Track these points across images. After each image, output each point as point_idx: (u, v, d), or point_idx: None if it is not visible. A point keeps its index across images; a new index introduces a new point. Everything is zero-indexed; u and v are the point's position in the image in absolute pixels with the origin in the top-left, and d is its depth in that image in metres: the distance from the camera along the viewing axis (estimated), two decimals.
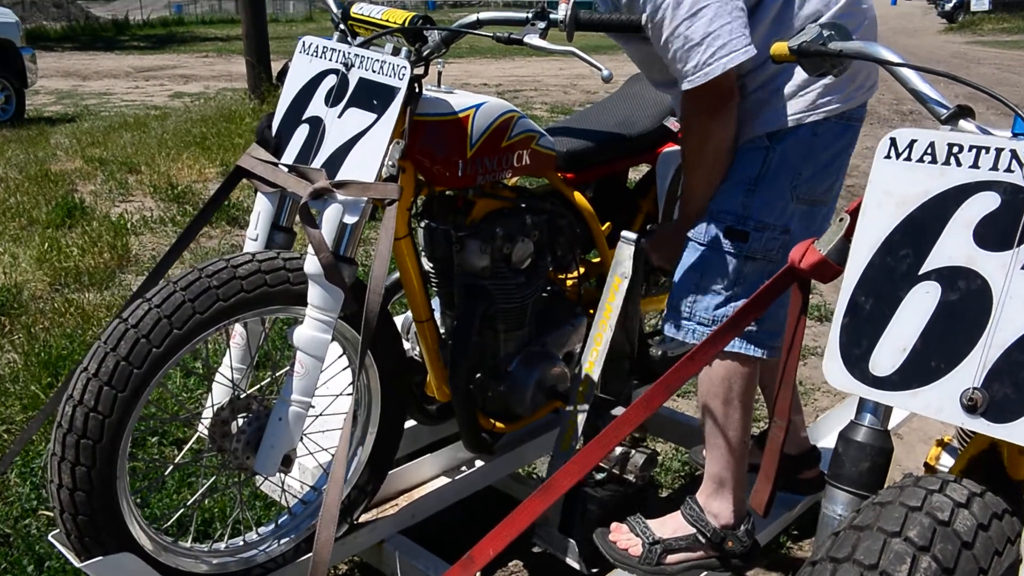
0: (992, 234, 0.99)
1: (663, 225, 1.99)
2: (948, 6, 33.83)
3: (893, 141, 1.07)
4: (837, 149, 1.70)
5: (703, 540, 1.76)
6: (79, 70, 15.36)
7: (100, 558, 1.47)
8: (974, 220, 1.00)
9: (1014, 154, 0.99)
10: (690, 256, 1.76)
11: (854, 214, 1.11)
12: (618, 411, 1.90)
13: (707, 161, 1.70)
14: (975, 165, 1.01)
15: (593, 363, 1.92)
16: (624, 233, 1.89)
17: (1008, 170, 0.99)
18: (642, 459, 1.88)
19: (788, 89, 1.66)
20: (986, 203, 1.00)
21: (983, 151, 1.01)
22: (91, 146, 6.90)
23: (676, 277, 1.78)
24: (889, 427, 1.75)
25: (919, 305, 1.03)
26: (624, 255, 1.88)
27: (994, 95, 1.06)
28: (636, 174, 2.53)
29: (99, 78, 14.28)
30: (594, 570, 1.88)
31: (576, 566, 1.91)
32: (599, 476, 1.93)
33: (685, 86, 1.60)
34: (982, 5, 31.64)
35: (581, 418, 1.92)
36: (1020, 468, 1.06)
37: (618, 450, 1.89)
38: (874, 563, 0.84)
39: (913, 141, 1.06)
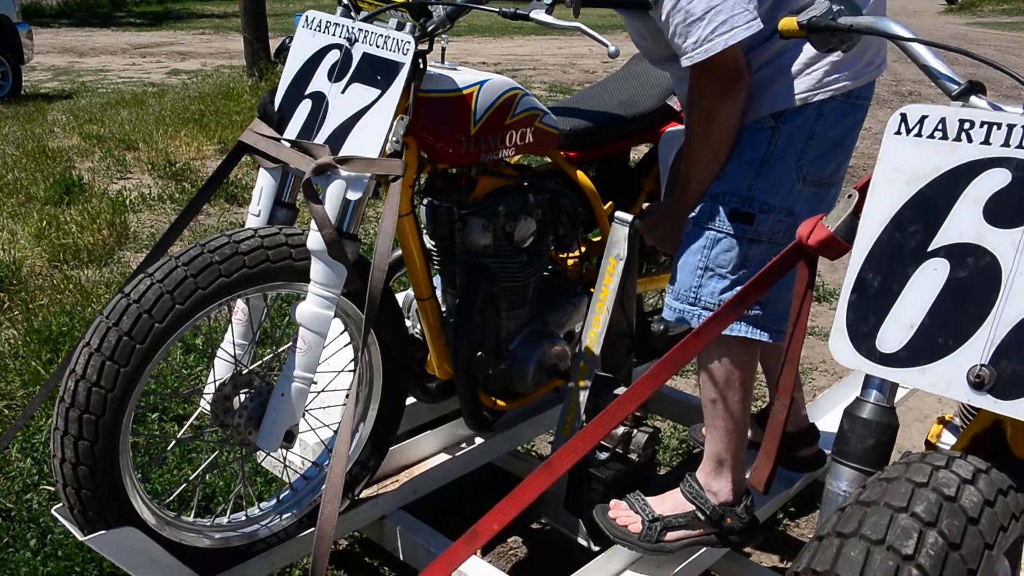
0: (1003, 211, 0.98)
1: (658, 205, 1.94)
2: None
3: (904, 117, 1.06)
4: (844, 128, 1.67)
5: (702, 517, 1.77)
6: (75, 47, 15.24)
7: (103, 532, 1.48)
8: (984, 197, 0.99)
9: None
10: (694, 239, 1.72)
11: (863, 190, 1.10)
12: (620, 390, 1.90)
13: (712, 140, 1.66)
14: (986, 141, 1.00)
15: (592, 343, 1.92)
16: (618, 214, 1.87)
17: (1020, 146, 0.98)
18: (644, 438, 1.88)
19: (794, 68, 1.63)
20: (997, 179, 0.99)
21: (994, 127, 1.00)
22: (88, 123, 6.85)
23: (679, 261, 1.74)
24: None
25: (927, 282, 1.02)
26: (618, 236, 1.87)
27: (1006, 70, 1.05)
28: (638, 154, 2.52)
29: (96, 55, 14.16)
30: (596, 548, 1.89)
31: (583, 543, 1.92)
32: (602, 455, 1.93)
33: (685, 62, 1.57)
34: None
35: (583, 397, 1.92)
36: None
37: (620, 429, 1.88)
38: (880, 538, 0.84)
39: (924, 117, 1.05)
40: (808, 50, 1.60)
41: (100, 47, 15.24)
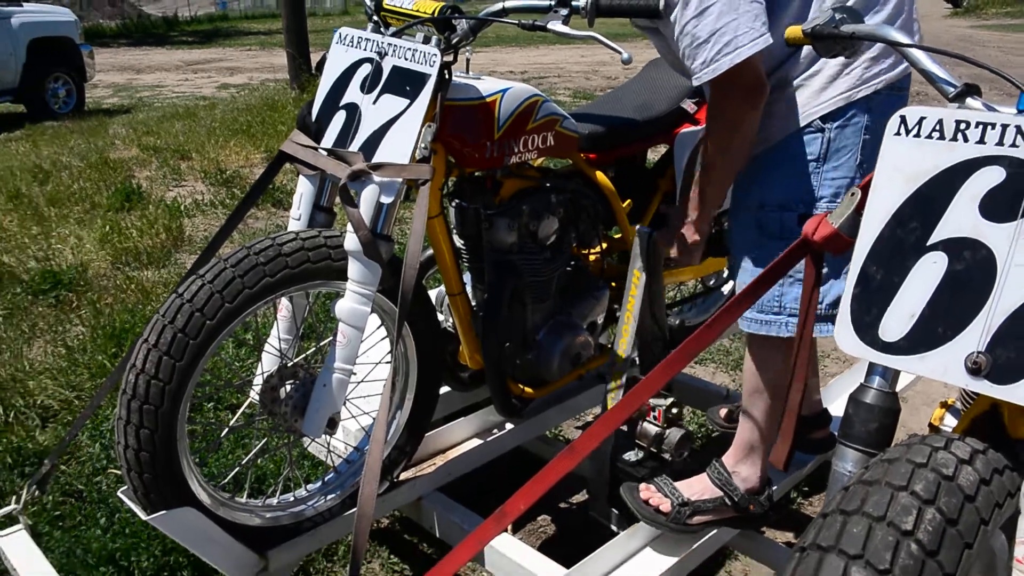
0: (997, 206, 0.97)
1: (674, 213, 1.87)
2: None
3: (903, 119, 1.05)
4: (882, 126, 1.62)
5: (729, 503, 1.74)
6: (133, 64, 15.45)
7: (163, 512, 1.50)
8: (980, 193, 0.98)
9: (1019, 130, 0.96)
10: (766, 252, 1.63)
11: (865, 189, 1.09)
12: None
13: (732, 150, 1.61)
14: (981, 140, 0.99)
15: (622, 351, 1.89)
16: (638, 228, 1.86)
17: (1013, 145, 0.96)
18: (678, 436, 1.85)
19: (832, 70, 1.57)
20: (992, 177, 0.97)
21: (989, 127, 0.98)
22: (146, 135, 6.93)
23: (752, 274, 1.67)
24: (897, 389, 1.73)
25: (927, 274, 1.01)
26: (639, 249, 1.85)
27: (1001, 73, 1.03)
28: (655, 154, 2.51)
29: (152, 72, 14.35)
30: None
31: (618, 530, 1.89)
32: (638, 455, 1.90)
33: (695, 81, 1.54)
34: None
35: (618, 399, 1.89)
36: (1020, 427, 1.04)
37: (654, 430, 1.86)
38: (882, 515, 0.84)
39: (922, 118, 1.03)
40: None
41: (156, 64, 15.44)
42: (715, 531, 1.79)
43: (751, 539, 1.92)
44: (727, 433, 2.10)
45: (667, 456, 1.87)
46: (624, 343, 1.89)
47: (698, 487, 1.79)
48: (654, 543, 1.79)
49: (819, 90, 1.59)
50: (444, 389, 2.10)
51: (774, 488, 1.81)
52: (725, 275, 2.68)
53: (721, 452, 1.84)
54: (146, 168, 5.89)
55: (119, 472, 2.29)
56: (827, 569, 0.81)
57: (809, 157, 1.61)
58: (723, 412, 2.28)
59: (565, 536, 2.28)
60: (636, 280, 1.87)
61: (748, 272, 1.69)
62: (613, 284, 2.22)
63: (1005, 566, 0.94)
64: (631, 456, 1.91)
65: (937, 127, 1.02)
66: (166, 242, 4.28)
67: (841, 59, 1.54)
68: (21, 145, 7.06)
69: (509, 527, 1.90)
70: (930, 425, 1.35)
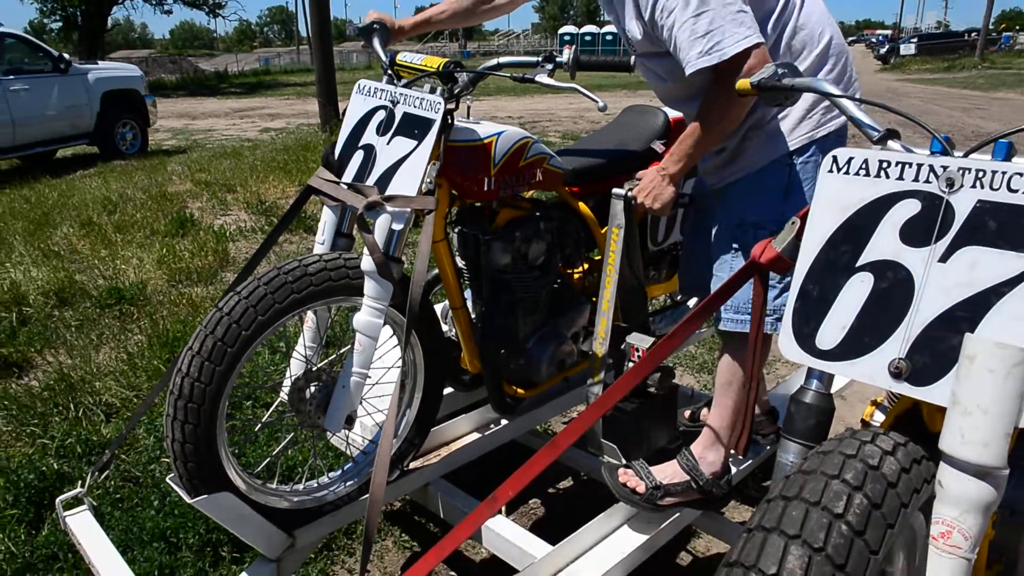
0: (914, 233, 0.96)
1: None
2: (882, 50, 33.62)
3: (835, 158, 1.05)
4: None
5: (695, 487, 1.73)
6: (189, 112, 15.54)
7: (205, 496, 1.49)
8: (900, 222, 0.97)
9: (931, 169, 0.96)
10: (742, 262, 1.64)
11: (803, 218, 1.09)
12: (633, 336, 1.79)
13: (719, 129, 1.57)
14: (900, 177, 0.98)
15: (607, 303, 1.78)
16: (614, 190, 1.74)
17: (927, 181, 0.96)
18: (658, 374, 1.80)
19: (798, 113, 1.61)
20: (909, 208, 0.97)
21: (907, 166, 0.98)
22: (199, 172, 6.96)
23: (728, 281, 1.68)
24: (833, 391, 1.73)
25: (856, 292, 1.00)
26: (617, 209, 1.73)
27: (916, 120, 1.03)
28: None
29: (205, 118, 14.42)
30: (623, 465, 1.80)
31: (614, 461, 1.83)
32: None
33: (688, 70, 1.49)
34: (909, 50, 31.40)
35: (603, 349, 1.80)
36: (937, 422, 1.03)
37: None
38: (817, 500, 0.83)
39: (851, 158, 1.03)
40: (807, 99, 1.58)
41: (208, 112, 15.53)
42: (681, 512, 1.77)
43: (712, 519, 1.90)
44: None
45: (652, 390, 1.82)
46: (608, 294, 1.78)
47: (669, 472, 1.78)
48: (629, 522, 1.77)
49: (789, 129, 1.62)
50: (447, 390, 2.08)
51: (732, 473, 1.79)
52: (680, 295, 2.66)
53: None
54: (198, 200, 5.92)
55: (168, 461, 2.28)
56: (770, 547, 0.80)
57: (777, 185, 1.64)
58: (687, 413, 2.26)
59: (554, 516, 2.26)
60: (616, 237, 1.74)
61: (720, 280, 1.70)
62: (594, 299, 2.21)
63: (924, 543, 0.93)
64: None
65: (863, 166, 1.02)
66: (213, 263, 4.29)
67: (805, 105, 1.56)
68: (94, 180, 7.09)
69: (503, 510, 1.88)
70: (862, 420, 1.34)
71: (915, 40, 35.44)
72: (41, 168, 8.51)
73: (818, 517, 0.80)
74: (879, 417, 1.38)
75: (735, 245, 1.69)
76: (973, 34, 33.57)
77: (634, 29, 1.62)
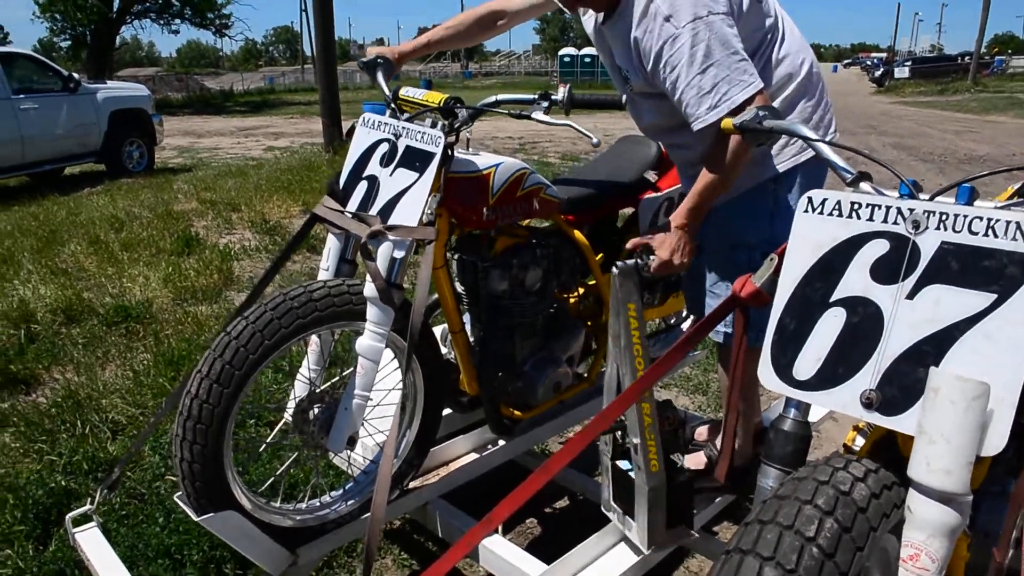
0: (883, 271, 1.01)
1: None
2: (877, 73, 34.00)
3: (810, 199, 1.10)
4: (820, 180, 1.71)
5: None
6: (195, 130, 15.62)
7: (212, 514, 1.52)
8: (870, 261, 1.02)
9: (899, 211, 1.01)
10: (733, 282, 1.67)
11: (781, 255, 1.14)
12: None
13: (732, 176, 1.60)
14: (871, 219, 1.04)
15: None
16: (618, 264, 1.62)
17: (895, 223, 1.02)
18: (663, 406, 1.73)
19: (782, 140, 1.67)
20: (879, 247, 1.02)
21: (876, 208, 1.03)
22: (204, 190, 6.95)
23: (718, 299, 1.72)
24: (822, 415, 1.76)
25: (830, 326, 1.05)
26: (628, 284, 1.57)
27: (886, 166, 1.09)
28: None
29: (210, 136, 14.49)
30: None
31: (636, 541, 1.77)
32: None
33: (697, 125, 1.54)
34: (903, 73, 31.74)
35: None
36: (909, 448, 1.08)
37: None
38: (791, 524, 0.87)
39: (825, 199, 1.09)
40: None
41: (213, 130, 15.61)
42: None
43: (705, 540, 1.93)
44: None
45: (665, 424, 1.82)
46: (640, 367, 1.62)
47: (692, 462, 1.80)
48: (623, 542, 1.78)
49: (774, 155, 1.69)
50: (446, 411, 2.10)
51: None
52: (684, 314, 2.71)
53: None
54: (203, 218, 5.91)
55: (175, 479, 2.29)
56: (746, 569, 0.85)
57: (764, 208, 1.70)
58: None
59: (548, 536, 2.28)
60: (633, 313, 1.56)
61: (716, 298, 1.76)
62: (589, 323, 2.26)
63: (897, 565, 0.97)
64: (624, 465, 1.87)
65: (836, 207, 1.07)
66: (218, 282, 4.30)
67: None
68: (101, 198, 7.12)
69: (500, 529, 1.91)
70: (844, 445, 1.39)
71: (909, 63, 35.78)
72: (49, 185, 8.58)
73: (791, 540, 0.85)
74: (860, 441, 1.42)
75: (729, 266, 1.75)
76: (966, 58, 33.90)
77: (630, 70, 1.68)
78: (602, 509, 1.81)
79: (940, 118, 16.92)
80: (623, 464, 1.81)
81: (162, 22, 24.71)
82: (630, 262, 1.67)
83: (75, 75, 9.05)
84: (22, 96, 8.27)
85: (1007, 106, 19.36)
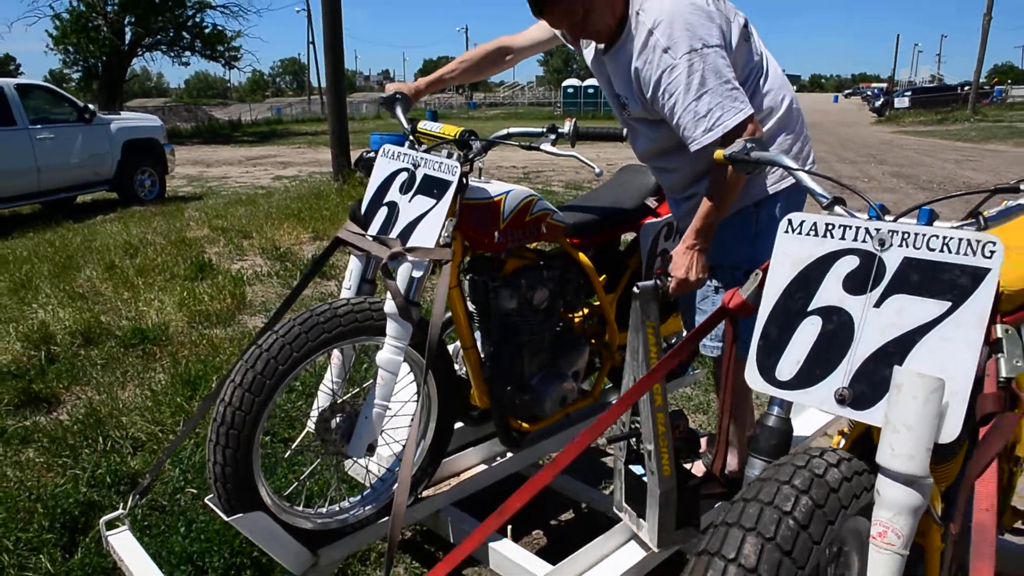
0: (854, 283, 1.14)
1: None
2: (877, 103, 34.42)
3: (790, 222, 1.24)
4: (800, 205, 1.81)
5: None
6: (204, 159, 15.83)
7: (241, 515, 1.62)
8: (843, 274, 1.16)
9: (868, 231, 1.15)
10: (719, 297, 1.79)
11: (765, 271, 1.28)
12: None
13: (733, 191, 1.71)
14: (843, 238, 1.17)
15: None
16: (639, 284, 1.63)
17: (864, 241, 1.16)
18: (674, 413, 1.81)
19: (766, 170, 1.75)
20: (850, 263, 1.16)
21: (848, 228, 1.17)
22: (215, 218, 7.08)
23: (704, 315, 1.83)
24: (815, 430, 1.87)
25: (807, 332, 1.18)
26: (649, 304, 1.62)
27: (856, 191, 1.23)
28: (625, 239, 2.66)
29: (219, 165, 14.69)
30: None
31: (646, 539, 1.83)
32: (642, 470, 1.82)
33: (693, 147, 1.65)
34: (903, 103, 32.15)
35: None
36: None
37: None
38: (771, 500, 0.99)
39: (803, 222, 1.23)
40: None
41: (223, 159, 15.82)
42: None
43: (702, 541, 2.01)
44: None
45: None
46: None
47: (693, 470, 1.88)
48: (626, 545, 1.87)
49: (755, 183, 1.81)
50: (458, 424, 2.19)
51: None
52: (684, 334, 2.82)
53: None
54: (215, 245, 6.05)
55: (194, 491, 2.40)
56: (730, 538, 0.97)
57: (747, 231, 1.82)
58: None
59: (554, 545, 2.37)
60: (651, 331, 1.61)
61: (703, 314, 1.87)
62: (592, 341, 2.37)
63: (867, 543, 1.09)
64: (637, 470, 1.90)
65: (813, 228, 1.22)
66: (231, 306, 4.41)
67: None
68: (115, 226, 7.27)
69: (509, 532, 2.01)
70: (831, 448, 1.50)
71: (909, 93, 36.26)
72: (62, 213, 8.77)
73: (770, 514, 0.97)
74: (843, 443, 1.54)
75: (715, 284, 1.88)
76: (966, 87, 34.36)
77: (629, 97, 1.81)
78: (613, 510, 1.90)
79: (940, 147, 17.15)
80: (636, 469, 1.90)
81: (173, 54, 25.28)
82: (650, 283, 1.75)
83: (90, 106, 9.31)
84: (39, 126, 8.52)
85: (1007, 135, 19.62)
